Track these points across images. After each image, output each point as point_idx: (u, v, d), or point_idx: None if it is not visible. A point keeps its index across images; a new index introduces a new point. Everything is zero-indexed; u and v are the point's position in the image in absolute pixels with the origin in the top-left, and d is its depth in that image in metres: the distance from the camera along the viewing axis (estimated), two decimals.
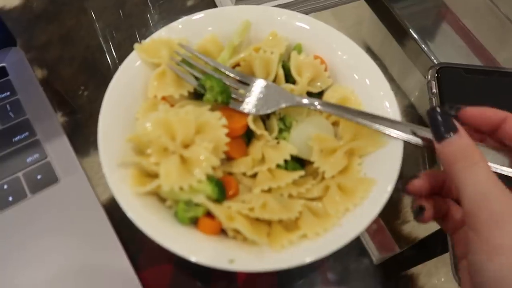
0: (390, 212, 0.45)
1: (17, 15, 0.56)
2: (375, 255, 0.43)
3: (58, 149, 0.43)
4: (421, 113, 0.52)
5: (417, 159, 0.48)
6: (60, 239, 0.39)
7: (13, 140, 0.43)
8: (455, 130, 0.29)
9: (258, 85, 0.40)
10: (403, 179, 0.34)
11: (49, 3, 0.59)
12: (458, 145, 0.29)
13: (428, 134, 0.35)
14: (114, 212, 0.41)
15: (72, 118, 0.48)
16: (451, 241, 0.40)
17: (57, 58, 0.53)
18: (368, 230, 0.44)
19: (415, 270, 0.42)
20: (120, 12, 0.59)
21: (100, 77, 0.52)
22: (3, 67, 0.48)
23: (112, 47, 0.55)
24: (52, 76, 0.51)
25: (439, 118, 0.30)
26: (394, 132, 0.36)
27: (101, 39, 0.56)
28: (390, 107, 0.38)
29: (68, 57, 0.53)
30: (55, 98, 0.48)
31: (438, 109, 0.31)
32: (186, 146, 0.36)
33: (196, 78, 0.40)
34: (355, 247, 0.43)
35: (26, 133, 0.44)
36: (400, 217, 0.44)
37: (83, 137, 0.45)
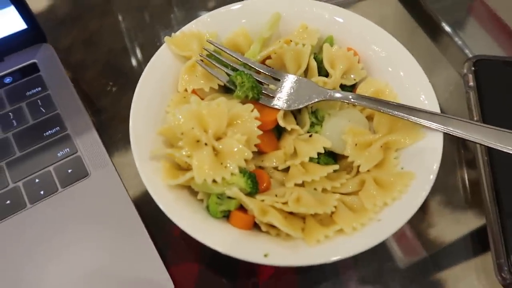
0: (416, 215, 0.43)
1: (43, 18, 0.57)
2: (401, 258, 0.41)
3: (88, 144, 0.43)
4: (454, 110, 0.50)
5: (454, 157, 0.47)
6: (90, 233, 0.39)
7: (44, 134, 0.44)
8: None
9: (289, 80, 0.39)
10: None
11: (73, 6, 0.59)
12: None
13: (466, 126, 0.34)
14: (143, 207, 0.40)
15: (96, 118, 0.48)
16: (493, 246, 0.38)
17: (82, 60, 0.54)
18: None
19: (442, 275, 0.40)
20: (144, 13, 0.59)
21: (124, 78, 0.52)
22: (34, 63, 0.49)
23: (135, 49, 0.56)
24: (78, 77, 0.51)
25: None
26: (432, 124, 0.35)
27: (125, 41, 0.56)
28: (427, 99, 0.37)
29: (92, 59, 0.54)
30: (82, 99, 0.48)
31: None
32: (218, 138, 0.35)
33: (227, 74, 0.40)
34: (380, 249, 0.42)
35: (57, 128, 0.44)
36: (426, 220, 0.43)
37: (107, 137, 0.45)
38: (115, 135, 0.46)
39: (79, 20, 0.58)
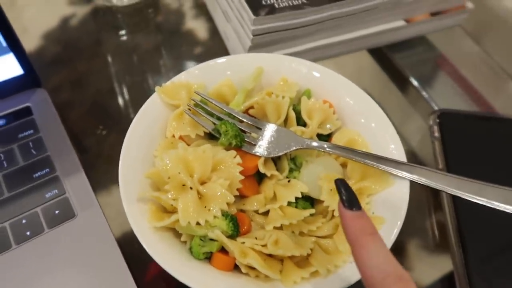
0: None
1: (33, 58, 0.60)
2: None
3: (76, 185, 0.45)
4: (421, 157, 0.54)
5: (422, 203, 0.50)
6: (75, 274, 0.39)
7: (34, 176, 0.45)
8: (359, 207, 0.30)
9: (270, 129, 0.43)
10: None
11: (62, 49, 0.62)
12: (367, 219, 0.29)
13: (429, 174, 0.37)
14: (125, 246, 0.42)
15: (82, 157, 0.50)
16: (459, 284, 0.41)
17: (70, 100, 0.56)
18: None
19: None
20: (133, 57, 0.63)
21: (111, 119, 0.54)
22: (28, 107, 0.51)
23: (123, 91, 0.59)
24: (65, 116, 0.53)
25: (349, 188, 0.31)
26: (400, 172, 0.38)
27: (113, 83, 0.59)
28: (396, 149, 0.40)
29: (79, 100, 0.56)
30: (71, 139, 0.49)
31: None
32: (203, 182, 0.38)
33: (213, 123, 0.43)
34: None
35: (47, 170, 0.46)
36: (404, 264, 0.45)
37: (91, 176, 0.47)
38: (99, 174, 0.48)
39: (68, 61, 0.60)
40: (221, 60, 0.47)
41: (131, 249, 0.41)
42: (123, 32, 0.66)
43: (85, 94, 0.57)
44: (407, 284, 0.25)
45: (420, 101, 0.60)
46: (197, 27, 0.67)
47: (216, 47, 0.64)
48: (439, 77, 0.65)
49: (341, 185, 0.31)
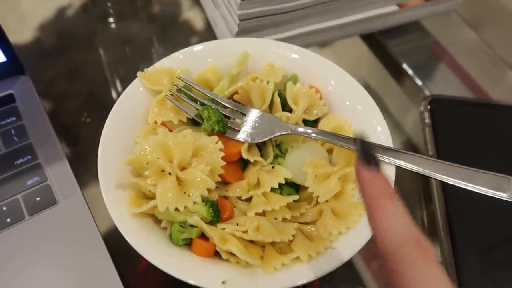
0: None
1: (27, 51, 0.59)
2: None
3: (59, 173, 0.44)
4: (413, 145, 0.53)
5: (413, 193, 0.49)
6: (55, 262, 0.39)
7: (15, 163, 0.44)
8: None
9: (254, 115, 0.42)
10: None
11: (57, 39, 0.62)
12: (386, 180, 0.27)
13: (416, 160, 0.37)
14: (113, 240, 0.41)
15: (75, 149, 0.49)
16: (447, 273, 0.40)
17: (64, 92, 0.55)
18: (369, 262, 0.43)
19: None
20: (127, 49, 0.62)
21: (104, 110, 0.53)
22: (11, 94, 0.50)
23: (116, 82, 0.58)
24: (59, 108, 0.53)
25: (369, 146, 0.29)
26: (386, 158, 0.37)
27: (106, 75, 0.58)
28: (382, 133, 0.39)
29: (74, 91, 0.56)
30: (60, 130, 0.49)
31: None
32: (183, 168, 0.37)
33: (196, 108, 0.42)
34: (352, 275, 0.43)
35: (29, 157, 0.45)
36: None
37: (85, 168, 0.46)
38: (92, 167, 0.47)
39: (62, 53, 0.60)
40: (206, 45, 0.46)
41: (118, 242, 0.40)
42: (114, 22, 0.65)
43: (79, 86, 0.56)
44: (426, 250, 0.23)
45: (414, 88, 0.59)
46: (192, 17, 0.66)
47: (211, 37, 0.63)
48: (434, 64, 0.64)
49: (360, 142, 0.28)
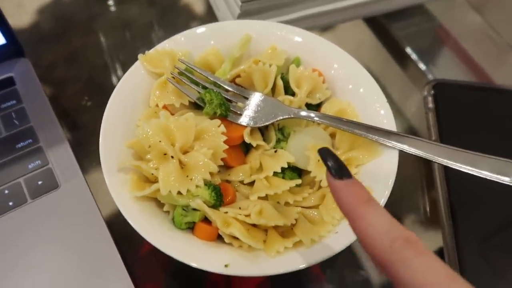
0: None
1: (27, 34, 0.59)
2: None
3: (60, 156, 0.44)
4: (416, 129, 0.53)
5: (416, 178, 0.49)
6: (58, 246, 0.39)
7: (17, 146, 0.44)
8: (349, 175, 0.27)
9: (256, 99, 0.41)
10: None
11: (57, 23, 0.61)
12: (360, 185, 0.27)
13: (419, 144, 0.36)
14: (116, 224, 0.41)
15: (77, 134, 0.49)
16: (448, 262, 0.40)
17: (64, 76, 0.55)
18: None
19: None
20: (127, 33, 0.61)
21: (105, 95, 0.53)
22: (11, 77, 0.49)
23: (116, 67, 0.57)
24: (59, 93, 0.52)
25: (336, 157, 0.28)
26: (389, 142, 0.37)
27: (106, 59, 0.58)
28: (386, 116, 0.39)
29: (74, 76, 0.55)
30: (60, 115, 0.49)
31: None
32: (185, 152, 0.37)
33: (198, 92, 0.41)
34: (353, 260, 0.43)
35: (30, 140, 0.45)
36: None
37: (87, 153, 0.46)
38: (93, 151, 0.47)
39: (62, 37, 0.59)
40: (208, 26, 0.45)
41: (121, 226, 0.40)
42: (114, 5, 0.64)
43: (80, 70, 0.56)
44: (415, 245, 0.23)
45: (417, 72, 0.58)
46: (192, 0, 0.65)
47: (212, 20, 0.61)
48: (438, 48, 0.63)
49: (327, 154, 0.28)
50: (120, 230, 0.41)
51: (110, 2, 0.64)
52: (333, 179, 0.27)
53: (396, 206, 0.46)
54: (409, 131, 0.53)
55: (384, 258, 0.23)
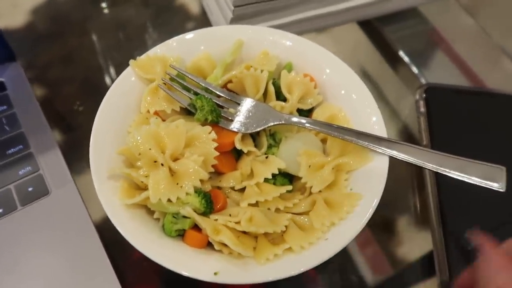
0: (385, 235, 0.45)
1: (21, 35, 0.58)
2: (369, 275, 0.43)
3: (51, 162, 0.44)
4: (408, 134, 0.53)
5: (407, 182, 0.49)
6: (48, 253, 0.39)
7: (7, 152, 0.44)
8: None
9: (247, 104, 0.41)
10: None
11: (51, 24, 0.60)
12: None
13: (409, 150, 0.36)
14: (106, 231, 0.41)
15: (69, 137, 0.49)
16: (438, 265, 0.40)
17: (58, 78, 0.54)
18: (364, 252, 0.44)
19: None
20: (121, 34, 0.61)
21: (98, 97, 0.53)
22: (2, 82, 0.49)
23: (111, 68, 0.57)
24: (53, 95, 0.52)
25: None
26: (379, 148, 0.37)
27: (101, 60, 0.57)
28: (377, 123, 0.39)
29: (68, 77, 0.55)
30: (54, 117, 0.48)
31: None
32: (175, 159, 0.36)
33: (189, 98, 0.41)
34: (346, 264, 0.43)
35: (20, 146, 0.44)
36: (388, 241, 0.45)
37: (79, 156, 0.46)
38: (85, 154, 0.46)
39: (57, 37, 0.59)
40: (200, 32, 0.45)
41: (112, 233, 0.40)
42: (108, 6, 0.63)
43: (73, 72, 0.55)
44: None
45: (410, 76, 0.59)
46: (187, 1, 0.64)
47: (207, 22, 0.61)
48: (431, 51, 0.63)
49: None
50: (111, 236, 0.40)
51: (104, 5, 0.63)
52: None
53: (390, 207, 0.46)
54: (402, 134, 0.53)
55: None
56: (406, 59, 0.60)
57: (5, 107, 0.47)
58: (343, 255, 0.43)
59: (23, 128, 0.46)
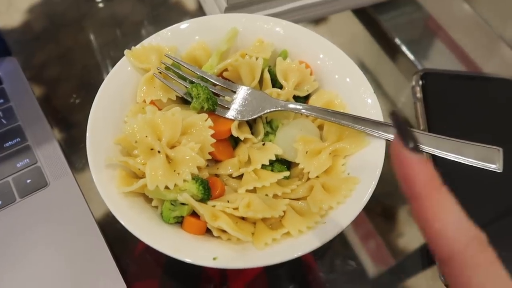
0: (386, 225, 0.45)
1: (17, 34, 0.58)
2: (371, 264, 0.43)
3: (48, 154, 0.44)
4: (405, 118, 0.53)
5: None
6: (48, 243, 0.39)
7: (4, 145, 0.44)
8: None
9: (243, 92, 0.41)
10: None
11: (48, 23, 0.60)
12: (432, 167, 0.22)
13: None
14: (108, 225, 0.41)
15: (68, 133, 0.49)
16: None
17: (55, 76, 0.54)
18: (365, 243, 0.44)
19: (413, 281, 0.42)
20: (118, 31, 0.61)
21: (95, 92, 0.52)
22: None
23: (108, 64, 0.57)
24: (50, 93, 0.52)
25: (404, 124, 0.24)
26: (376, 132, 0.37)
27: (98, 58, 0.57)
28: (372, 107, 0.39)
29: (65, 75, 0.55)
30: (51, 114, 0.48)
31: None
32: (172, 146, 0.36)
33: (185, 86, 0.41)
34: (347, 251, 0.43)
35: (18, 139, 0.44)
36: (392, 229, 0.45)
37: (77, 152, 0.46)
38: (84, 149, 0.46)
39: (53, 35, 0.58)
40: (194, 21, 0.45)
41: (114, 227, 0.40)
42: (104, 2, 0.63)
43: (71, 69, 0.55)
44: (490, 252, 0.20)
45: (407, 63, 0.58)
46: None
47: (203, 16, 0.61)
48: (427, 38, 0.63)
49: (395, 118, 0.23)
50: (112, 229, 0.41)
51: (99, 0, 0.63)
52: (403, 151, 0.22)
53: (390, 197, 0.46)
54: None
55: (456, 257, 0.21)
56: (402, 46, 0.60)
57: (1, 100, 0.47)
58: (343, 245, 0.43)
59: (20, 121, 0.46)
